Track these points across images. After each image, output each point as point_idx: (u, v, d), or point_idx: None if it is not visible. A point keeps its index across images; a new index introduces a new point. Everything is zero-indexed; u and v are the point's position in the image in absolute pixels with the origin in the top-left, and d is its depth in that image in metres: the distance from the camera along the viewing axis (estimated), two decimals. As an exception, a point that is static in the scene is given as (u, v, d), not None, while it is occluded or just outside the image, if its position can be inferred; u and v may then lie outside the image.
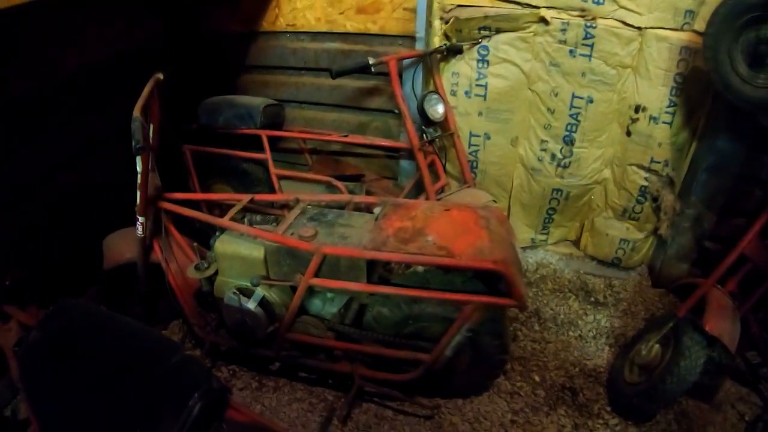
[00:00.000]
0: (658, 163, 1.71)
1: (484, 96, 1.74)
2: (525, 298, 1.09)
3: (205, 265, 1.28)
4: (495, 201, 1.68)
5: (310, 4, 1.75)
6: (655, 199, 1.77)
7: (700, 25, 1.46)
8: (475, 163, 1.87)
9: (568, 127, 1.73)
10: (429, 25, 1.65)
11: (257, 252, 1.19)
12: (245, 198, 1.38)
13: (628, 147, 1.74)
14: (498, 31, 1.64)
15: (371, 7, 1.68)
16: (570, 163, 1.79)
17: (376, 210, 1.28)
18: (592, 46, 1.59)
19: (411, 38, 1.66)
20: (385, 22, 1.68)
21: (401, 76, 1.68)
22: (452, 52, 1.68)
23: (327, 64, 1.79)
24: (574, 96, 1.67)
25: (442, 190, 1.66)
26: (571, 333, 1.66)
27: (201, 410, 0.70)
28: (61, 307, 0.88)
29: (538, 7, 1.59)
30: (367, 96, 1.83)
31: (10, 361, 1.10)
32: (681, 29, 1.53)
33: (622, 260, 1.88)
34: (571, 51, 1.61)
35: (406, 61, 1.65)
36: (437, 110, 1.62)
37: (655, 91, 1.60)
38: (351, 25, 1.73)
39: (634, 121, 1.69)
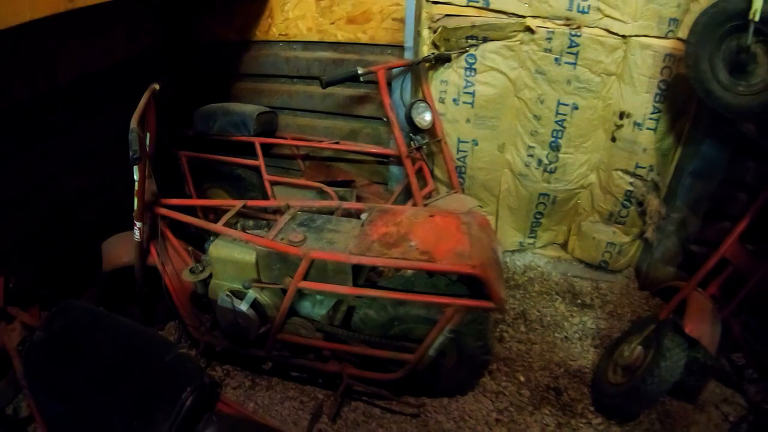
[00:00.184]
0: (643, 168, 1.74)
1: (472, 103, 1.78)
2: (503, 301, 1.13)
3: (200, 269, 1.33)
4: (481, 206, 1.72)
5: (302, 15, 1.79)
6: (640, 204, 1.80)
7: (684, 32, 1.48)
8: (463, 169, 1.91)
9: (554, 134, 1.77)
10: (417, 34, 1.70)
11: (249, 256, 1.24)
12: (238, 204, 1.43)
13: (613, 152, 1.77)
14: (485, 39, 1.68)
15: (361, 18, 1.72)
16: (556, 168, 1.83)
17: (363, 216, 1.33)
18: (577, 54, 1.62)
19: (400, 47, 1.71)
20: (375, 32, 1.73)
21: (390, 85, 1.72)
22: (440, 60, 1.72)
23: (319, 72, 1.83)
24: (559, 103, 1.71)
25: (429, 195, 1.70)
26: (557, 334, 1.69)
27: (193, 403, 0.75)
28: (62, 309, 0.93)
29: (523, 17, 1.62)
30: (358, 104, 1.87)
31: (14, 360, 1.15)
32: (665, 37, 1.56)
33: (609, 263, 1.92)
34: (556, 59, 1.65)
35: (395, 70, 1.69)
36: (424, 118, 1.66)
37: (639, 98, 1.64)
38: (342, 35, 1.78)
39: (618, 127, 1.72)
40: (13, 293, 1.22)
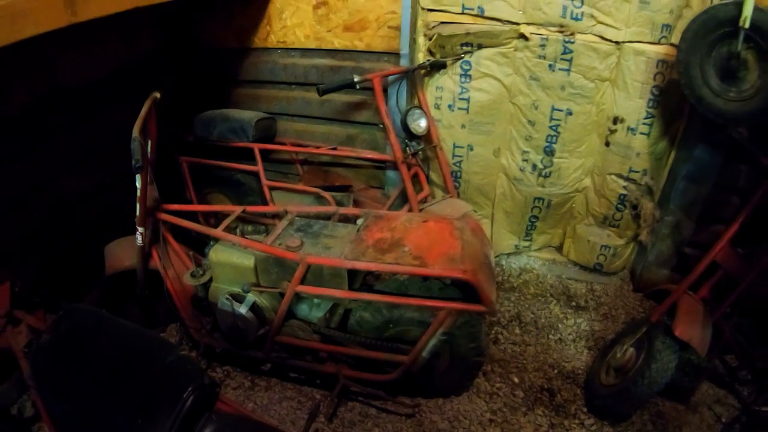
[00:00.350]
0: (637, 172, 1.76)
1: (467, 109, 1.80)
2: (494, 305, 1.16)
3: (201, 273, 1.36)
4: (475, 211, 1.74)
5: (300, 22, 1.82)
6: (634, 207, 1.82)
7: (677, 38, 1.48)
8: (459, 173, 1.94)
9: (549, 139, 1.79)
10: (413, 41, 1.72)
11: (248, 261, 1.27)
12: (238, 209, 1.46)
13: (607, 157, 1.79)
14: (480, 46, 1.70)
15: (357, 26, 1.75)
16: (551, 172, 1.85)
17: (359, 221, 1.36)
18: (570, 60, 1.64)
19: (396, 55, 1.73)
20: (371, 39, 1.75)
21: (386, 91, 1.75)
22: (436, 67, 1.74)
23: (316, 79, 1.86)
24: (553, 108, 1.73)
25: (425, 200, 1.73)
26: (551, 336, 1.71)
27: (194, 402, 0.79)
28: (68, 312, 0.96)
29: (518, 24, 1.64)
30: (355, 110, 1.90)
31: (21, 362, 1.18)
32: (658, 43, 1.57)
33: (604, 265, 1.94)
34: (550, 65, 1.67)
35: (391, 77, 1.71)
36: (420, 125, 1.69)
37: (632, 103, 1.65)
38: (339, 43, 1.81)
39: (612, 132, 1.74)
40: (19, 297, 1.25)
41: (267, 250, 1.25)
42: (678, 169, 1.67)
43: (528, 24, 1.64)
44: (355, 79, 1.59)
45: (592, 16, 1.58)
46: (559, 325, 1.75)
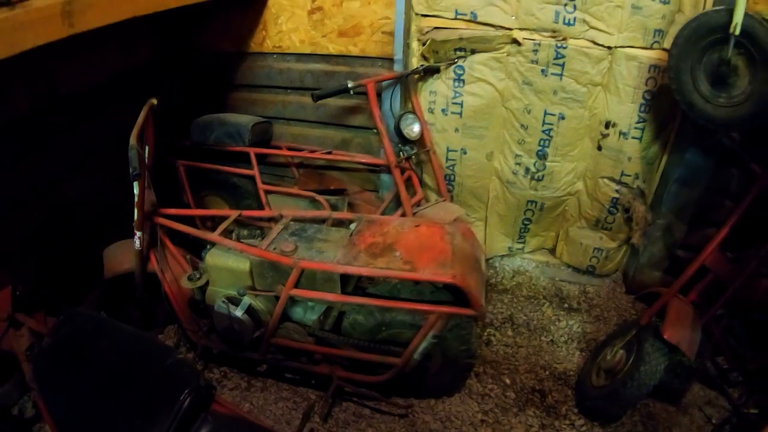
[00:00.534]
0: (629, 176, 1.78)
1: (461, 113, 1.82)
2: (483, 309, 1.18)
3: (198, 276, 1.39)
4: (468, 214, 1.76)
5: (295, 27, 1.84)
6: (626, 210, 1.83)
7: (669, 43, 1.48)
8: (452, 177, 1.96)
9: (541, 143, 1.81)
10: (407, 47, 1.74)
11: (243, 265, 1.30)
12: (234, 214, 1.49)
13: (599, 161, 1.81)
14: (473, 51, 1.71)
15: (352, 31, 1.77)
16: (543, 176, 1.87)
17: (352, 226, 1.38)
18: (563, 65, 1.66)
19: (390, 60, 1.75)
20: (365, 44, 1.77)
21: (380, 96, 1.77)
22: (429, 72, 1.76)
23: (311, 83, 1.88)
24: (546, 113, 1.75)
25: (418, 203, 1.75)
26: (543, 338, 1.73)
27: (190, 404, 0.81)
28: (69, 316, 0.99)
29: (510, 29, 1.66)
30: (349, 114, 1.92)
31: (23, 365, 1.21)
32: (650, 48, 1.58)
33: (597, 268, 1.95)
34: (543, 70, 1.68)
35: (385, 82, 1.73)
36: (413, 129, 1.71)
37: (624, 108, 1.67)
38: (333, 48, 1.82)
39: (604, 136, 1.75)
40: (20, 300, 1.28)
41: (262, 255, 1.27)
42: (670, 172, 1.69)
43: (521, 29, 1.65)
44: (349, 86, 1.61)
45: (584, 21, 1.60)
46: (552, 327, 1.77)
